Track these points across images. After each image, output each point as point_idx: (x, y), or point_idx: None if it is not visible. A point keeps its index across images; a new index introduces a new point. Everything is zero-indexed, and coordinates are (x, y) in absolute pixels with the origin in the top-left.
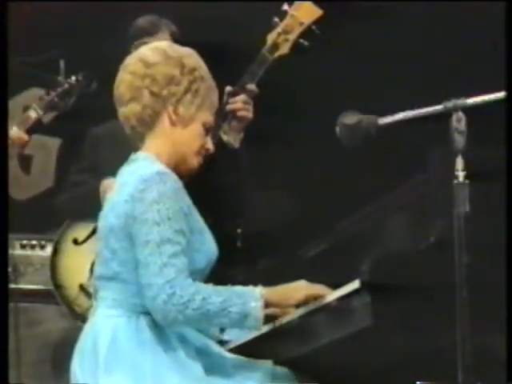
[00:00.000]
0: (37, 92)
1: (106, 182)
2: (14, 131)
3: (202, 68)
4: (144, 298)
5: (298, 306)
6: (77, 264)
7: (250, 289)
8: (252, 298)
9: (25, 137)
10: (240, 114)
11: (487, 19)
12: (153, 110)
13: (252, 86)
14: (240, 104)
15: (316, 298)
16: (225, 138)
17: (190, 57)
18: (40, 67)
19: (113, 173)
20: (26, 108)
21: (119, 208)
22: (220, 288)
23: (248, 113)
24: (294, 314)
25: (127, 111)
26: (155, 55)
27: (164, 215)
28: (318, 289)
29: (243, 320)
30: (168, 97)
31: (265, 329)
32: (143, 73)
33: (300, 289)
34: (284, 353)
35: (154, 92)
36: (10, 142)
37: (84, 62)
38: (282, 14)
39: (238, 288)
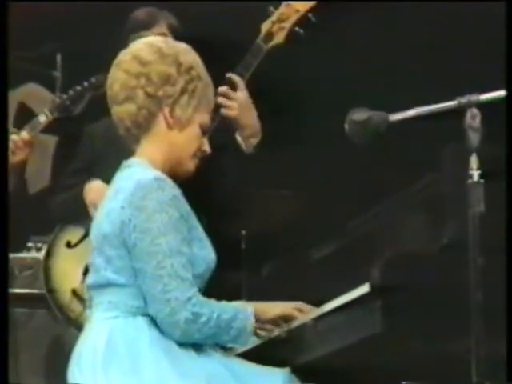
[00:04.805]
0: (32, 87)
1: (93, 185)
2: (20, 136)
3: (199, 65)
4: (156, 311)
5: (275, 323)
6: (69, 268)
7: (242, 304)
8: (249, 313)
9: (27, 135)
10: (222, 111)
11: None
12: (148, 112)
13: (235, 77)
14: (221, 98)
15: (290, 316)
16: (238, 139)
17: (187, 54)
18: (35, 62)
19: (108, 173)
20: (22, 104)
21: (114, 214)
22: (223, 304)
23: (228, 110)
24: (304, 319)
25: (121, 111)
26: (150, 53)
27: (168, 225)
28: (293, 308)
29: (239, 336)
30: (164, 98)
31: (275, 334)
32: (138, 71)
33: (277, 306)
34: (293, 358)
35: (149, 93)
36: (13, 148)
37: (80, 56)
38: (277, 4)
39: (234, 304)
